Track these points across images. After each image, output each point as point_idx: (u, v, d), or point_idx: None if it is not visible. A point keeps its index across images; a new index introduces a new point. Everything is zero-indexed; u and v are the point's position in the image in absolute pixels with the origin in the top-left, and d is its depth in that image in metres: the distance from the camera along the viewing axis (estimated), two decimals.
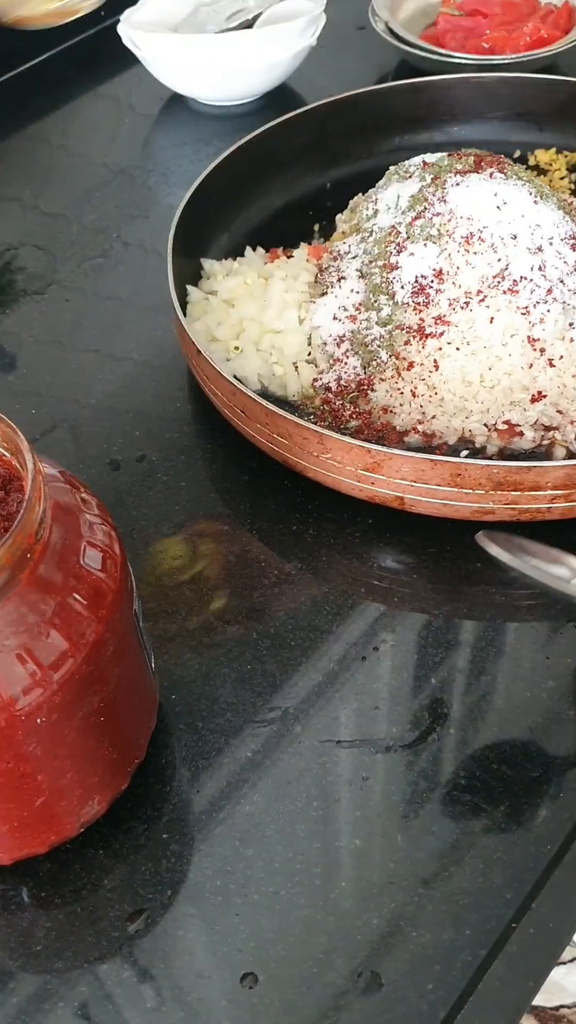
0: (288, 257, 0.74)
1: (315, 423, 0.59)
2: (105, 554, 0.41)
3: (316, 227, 0.79)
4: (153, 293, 0.77)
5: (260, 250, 0.76)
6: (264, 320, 0.68)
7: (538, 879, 0.46)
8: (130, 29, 0.89)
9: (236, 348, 0.67)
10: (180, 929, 0.45)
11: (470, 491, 0.55)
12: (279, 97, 0.95)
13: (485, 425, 0.61)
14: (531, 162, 0.83)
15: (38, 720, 0.38)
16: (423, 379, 0.62)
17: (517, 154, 0.83)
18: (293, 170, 0.81)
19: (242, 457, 0.64)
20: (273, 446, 0.60)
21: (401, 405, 0.62)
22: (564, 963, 1.29)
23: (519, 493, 0.55)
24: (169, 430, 0.67)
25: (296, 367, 0.66)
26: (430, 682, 0.53)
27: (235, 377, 0.65)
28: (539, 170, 0.82)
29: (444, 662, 0.54)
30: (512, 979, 0.43)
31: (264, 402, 0.57)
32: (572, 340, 0.62)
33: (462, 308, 0.61)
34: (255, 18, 0.90)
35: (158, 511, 0.62)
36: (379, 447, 0.55)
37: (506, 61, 0.89)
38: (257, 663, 0.54)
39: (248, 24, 0.90)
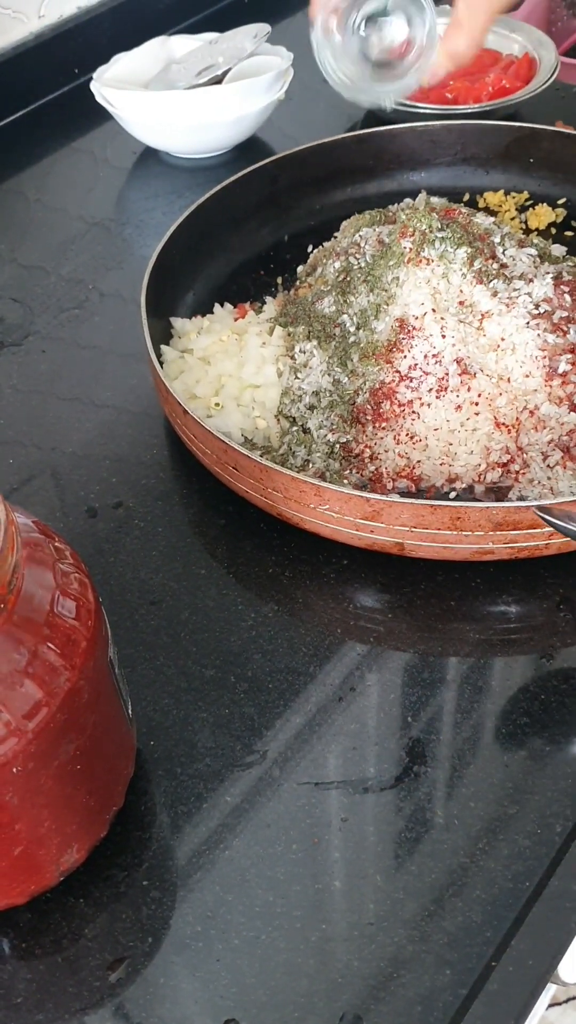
0: (257, 312, 0.76)
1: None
2: (79, 603, 0.42)
3: (279, 279, 0.81)
4: (129, 342, 0.78)
5: (228, 306, 0.77)
6: (243, 375, 0.69)
7: (517, 916, 0.46)
8: (102, 87, 0.92)
9: (217, 404, 0.68)
10: (162, 976, 0.45)
11: (469, 533, 0.56)
12: (250, 148, 0.97)
13: (472, 466, 0.62)
14: (480, 204, 0.86)
15: (14, 769, 0.38)
16: (405, 428, 0.63)
17: (466, 198, 0.86)
18: (249, 225, 0.83)
19: (218, 501, 0.65)
20: (267, 499, 0.61)
21: (387, 452, 0.64)
22: (559, 1004, 1.28)
23: (518, 532, 0.56)
24: (146, 476, 0.67)
25: (278, 419, 0.67)
26: (407, 721, 0.54)
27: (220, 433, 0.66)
28: (489, 211, 0.85)
29: (421, 700, 0.54)
30: (493, 1017, 0.43)
31: (258, 458, 0.58)
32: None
33: (436, 363, 0.63)
34: (224, 73, 0.92)
35: (135, 557, 0.62)
36: (378, 496, 0.56)
37: (469, 111, 0.92)
38: (235, 707, 0.54)
39: (217, 80, 0.92)
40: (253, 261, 0.83)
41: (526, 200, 0.85)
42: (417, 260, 0.66)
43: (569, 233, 0.83)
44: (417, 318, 0.65)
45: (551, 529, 0.54)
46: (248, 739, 0.53)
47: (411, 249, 0.67)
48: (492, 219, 0.72)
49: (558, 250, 0.77)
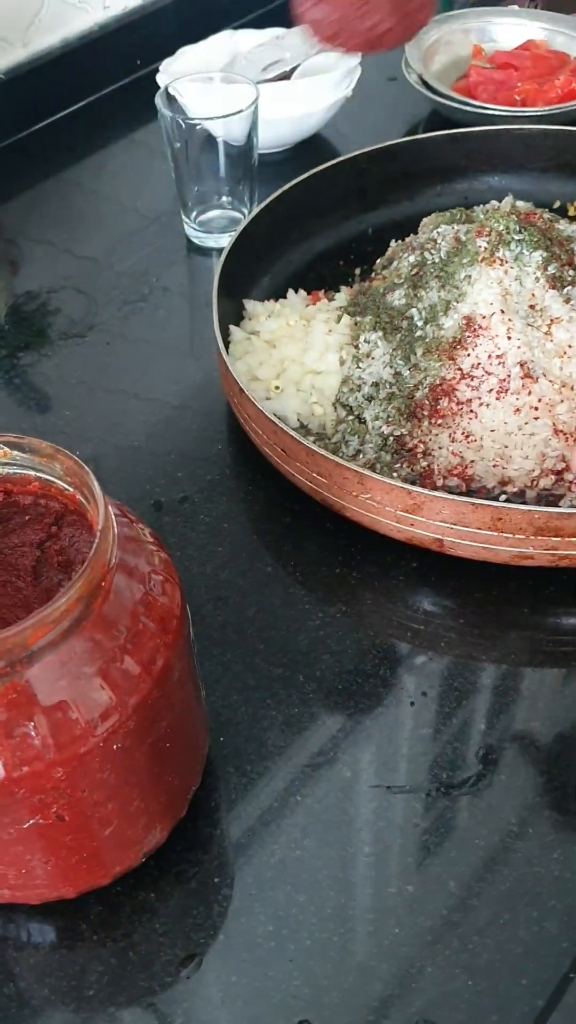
0: (330, 300, 0.76)
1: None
2: (166, 580, 0.42)
3: (357, 271, 0.81)
4: (194, 336, 0.78)
5: (302, 292, 0.77)
6: (305, 361, 0.69)
7: None
8: (169, 78, 0.91)
9: (276, 387, 0.68)
10: (233, 975, 0.45)
11: (510, 535, 0.55)
12: (311, 146, 0.97)
13: (525, 471, 0.62)
14: (571, 212, 0.84)
15: (115, 746, 0.38)
16: (461, 427, 0.63)
17: (557, 204, 0.84)
18: (334, 215, 0.83)
19: (283, 499, 0.64)
20: (313, 485, 0.61)
21: (440, 449, 0.63)
22: None
23: (559, 539, 0.55)
24: (210, 472, 0.67)
25: (335, 407, 0.67)
26: (479, 728, 0.53)
27: (276, 416, 0.66)
28: None
29: (494, 708, 0.54)
30: None
31: (305, 441, 0.58)
32: None
33: (499, 364, 0.63)
34: (292, 70, 0.92)
35: (201, 552, 0.62)
36: (419, 489, 0.55)
37: (539, 113, 0.91)
38: (304, 706, 0.54)
39: (285, 76, 0.92)
40: (334, 251, 0.82)
41: None
42: (491, 260, 0.66)
43: None
44: (484, 317, 0.64)
45: None
46: (318, 739, 0.53)
47: (486, 248, 0.66)
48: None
49: None
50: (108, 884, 0.46)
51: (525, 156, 0.85)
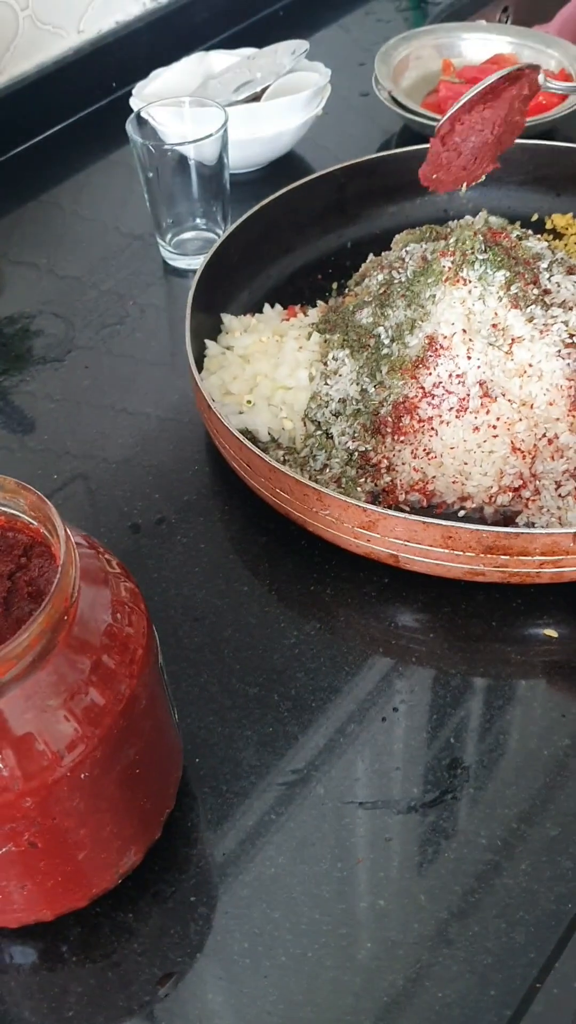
0: (305, 314, 0.77)
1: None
2: (132, 611, 0.43)
3: (334, 285, 0.82)
4: (172, 357, 0.79)
5: (278, 307, 0.79)
6: (277, 376, 0.71)
7: (561, 937, 0.46)
8: (142, 101, 0.93)
9: (249, 402, 0.69)
10: (209, 992, 0.46)
11: (460, 553, 0.57)
12: (286, 164, 0.98)
13: (484, 488, 0.63)
14: (548, 226, 0.85)
15: (82, 775, 0.39)
16: (423, 443, 0.64)
17: (534, 218, 0.86)
18: (314, 230, 0.85)
19: (259, 519, 0.65)
20: (277, 500, 0.62)
21: (403, 464, 0.65)
22: None
23: (508, 557, 0.57)
24: (187, 492, 0.68)
25: (304, 422, 0.68)
26: (449, 741, 0.54)
27: (246, 430, 0.68)
28: (556, 234, 0.85)
29: (462, 721, 0.55)
30: None
31: (266, 457, 0.60)
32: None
33: (459, 383, 0.64)
34: (263, 90, 0.93)
35: (178, 573, 0.63)
36: (373, 507, 0.57)
37: None
38: (279, 725, 0.55)
39: (256, 96, 0.93)
40: (313, 265, 0.84)
41: None
42: (455, 279, 0.67)
43: None
44: (446, 337, 0.66)
45: (542, 557, 0.55)
46: (292, 758, 0.54)
47: (450, 268, 0.67)
48: (546, 244, 0.72)
49: None
50: (86, 906, 0.47)
51: (503, 170, 0.86)
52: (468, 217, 0.82)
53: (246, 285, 0.81)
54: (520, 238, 0.73)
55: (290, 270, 0.84)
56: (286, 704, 0.56)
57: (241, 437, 0.61)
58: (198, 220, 0.87)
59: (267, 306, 0.79)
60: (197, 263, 0.86)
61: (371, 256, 0.82)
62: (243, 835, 0.51)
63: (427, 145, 0.85)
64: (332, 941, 0.47)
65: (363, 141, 1.00)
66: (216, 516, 0.67)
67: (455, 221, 0.83)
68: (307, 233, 0.85)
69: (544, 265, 0.70)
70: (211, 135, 0.79)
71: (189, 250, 0.87)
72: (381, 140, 1.01)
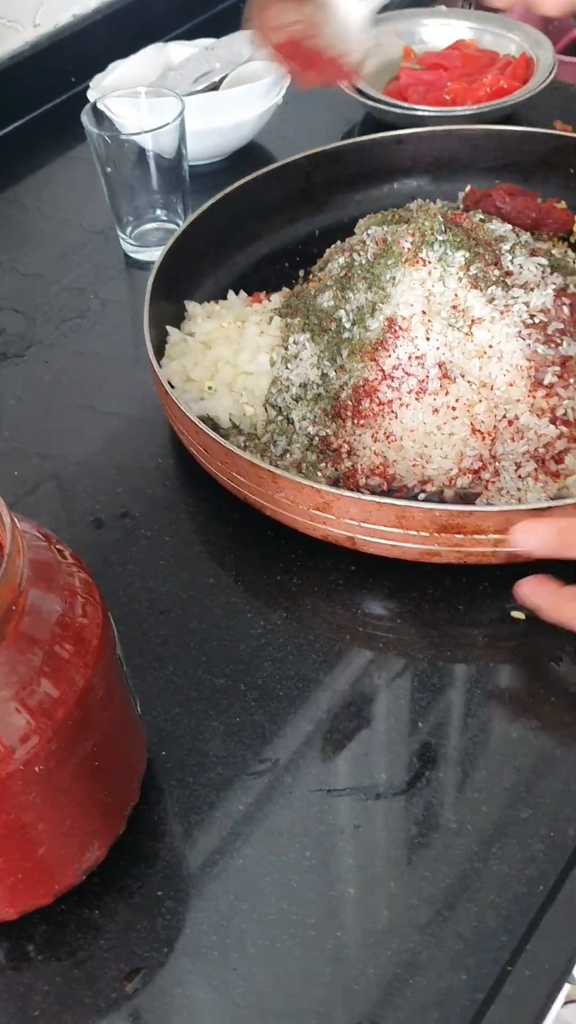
0: (269, 301, 0.76)
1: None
2: (85, 601, 0.42)
3: (301, 272, 0.81)
4: (135, 350, 0.78)
5: (243, 294, 0.78)
6: (238, 362, 0.70)
7: (532, 920, 0.46)
8: (100, 93, 0.92)
9: (210, 388, 0.69)
10: (178, 986, 0.45)
11: (415, 533, 0.56)
12: (248, 154, 0.97)
13: (444, 470, 0.63)
14: None
15: (36, 768, 0.39)
16: (383, 427, 0.64)
17: None
18: (280, 218, 0.84)
19: (224, 510, 0.65)
20: (234, 484, 0.62)
21: (364, 449, 0.64)
22: (574, 1001, 1.27)
23: (463, 536, 0.56)
24: (152, 485, 0.68)
25: (266, 408, 0.68)
26: (418, 727, 0.54)
27: (207, 416, 0.68)
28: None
29: (431, 705, 0.54)
30: (511, 1022, 0.43)
31: (221, 440, 0.59)
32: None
33: (418, 365, 0.64)
34: (222, 79, 0.93)
35: (143, 567, 0.62)
36: (328, 488, 0.56)
37: (466, 112, 0.91)
38: (246, 715, 0.55)
39: (215, 86, 0.92)
40: (280, 253, 0.83)
41: (565, 209, 0.83)
42: (414, 261, 0.66)
43: None
44: (405, 319, 0.65)
45: (496, 536, 0.55)
46: (259, 747, 0.53)
47: (409, 249, 0.67)
48: (510, 227, 0.72)
49: None
50: (51, 903, 0.46)
51: (471, 157, 0.86)
52: (429, 203, 0.82)
53: (212, 273, 0.81)
54: (483, 221, 0.72)
55: (256, 257, 0.83)
56: (253, 694, 0.55)
57: (197, 421, 0.61)
58: (158, 212, 0.86)
59: (231, 292, 0.78)
60: (157, 255, 0.86)
61: (338, 243, 0.81)
62: (211, 827, 0.50)
63: (396, 132, 0.84)
64: (301, 931, 0.46)
65: (325, 130, 1.00)
66: (181, 509, 0.66)
67: (416, 202, 0.83)
68: (274, 221, 0.84)
69: (506, 247, 0.69)
70: (168, 124, 0.78)
71: (150, 242, 0.86)
72: (344, 129, 1.00)
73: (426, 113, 0.92)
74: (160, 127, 0.78)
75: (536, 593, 0.52)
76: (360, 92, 0.95)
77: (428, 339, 0.64)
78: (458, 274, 0.65)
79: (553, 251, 0.73)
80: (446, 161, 0.86)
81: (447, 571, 0.60)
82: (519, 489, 0.61)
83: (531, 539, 0.51)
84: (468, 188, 0.82)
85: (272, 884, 0.48)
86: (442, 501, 0.63)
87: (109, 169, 0.81)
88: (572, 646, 0.56)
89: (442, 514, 0.55)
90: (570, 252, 0.78)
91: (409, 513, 0.55)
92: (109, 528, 0.65)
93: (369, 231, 0.73)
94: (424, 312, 0.64)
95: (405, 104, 0.93)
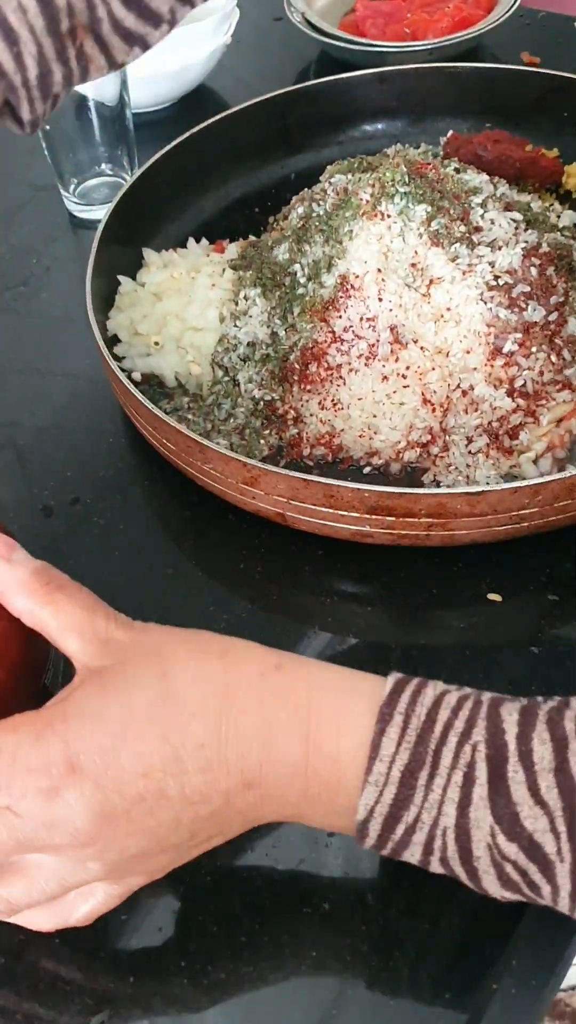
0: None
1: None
2: None
3: (271, 219, 0.77)
4: (86, 315, 0.73)
5: (204, 242, 0.74)
6: (186, 316, 0.66)
7: (518, 933, 0.44)
8: None
9: (156, 344, 0.65)
10: (146, 1017, 0.43)
11: (345, 513, 0.53)
12: (197, 98, 0.91)
13: (391, 443, 0.59)
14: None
15: None
16: (331, 393, 0.60)
17: None
18: (252, 161, 0.79)
19: (182, 492, 0.61)
20: (165, 451, 0.59)
21: (311, 416, 0.61)
22: None
23: (394, 518, 0.53)
24: (103, 468, 0.63)
25: (213, 367, 0.64)
26: None
27: (152, 374, 0.64)
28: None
29: None
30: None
31: (149, 404, 0.56)
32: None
33: (369, 328, 0.60)
34: None
35: (96, 559, 0.59)
36: (255, 462, 0.53)
37: (428, 46, 0.86)
38: None
39: None
40: (251, 198, 0.79)
41: (556, 157, 0.78)
42: (372, 214, 0.62)
43: None
44: (358, 277, 0.61)
45: (428, 519, 0.52)
46: None
47: (368, 201, 0.62)
48: (487, 178, 0.67)
49: (568, 218, 0.71)
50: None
51: (458, 98, 0.80)
52: (398, 146, 0.77)
53: (176, 217, 0.76)
54: (458, 170, 0.68)
55: (226, 202, 0.79)
56: None
57: (126, 381, 0.57)
58: (103, 166, 0.81)
59: (191, 240, 0.74)
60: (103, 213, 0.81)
61: (305, 191, 0.76)
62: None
63: (379, 68, 0.79)
64: (274, 952, 0.44)
65: (279, 69, 0.94)
66: (136, 492, 0.62)
67: (395, 147, 0.77)
68: (246, 164, 0.79)
69: (478, 200, 0.64)
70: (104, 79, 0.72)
71: (96, 199, 0.81)
72: (299, 67, 0.94)
73: (385, 49, 0.86)
74: (97, 82, 0.72)
75: None
76: (314, 28, 0.89)
77: (381, 300, 0.60)
78: (419, 230, 0.61)
79: (533, 204, 0.68)
80: (432, 101, 0.81)
81: (420, 551, 0.57)
82: (468, 466, 0.58)
83: None
84: (450, 133, 0.77)
85: (241, 904, 0.45)
86: (387, 475, 0.59)
87: (47, 125, 0.76)
88: (551, 627, 0.53)
89: (371, 495, 0.51)
90: (556, 205, 0.74)
91: (338, 492, 0.52)
92: (59, 516, 0.61)
93: (332, 179, 0.69)
94: (379, 270, 0.60)
95: (361, 40, 0.87)
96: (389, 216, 0.61)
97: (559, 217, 0.72)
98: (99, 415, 0.67)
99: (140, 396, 0.56)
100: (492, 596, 0.55)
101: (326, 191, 0.67)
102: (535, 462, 0.59)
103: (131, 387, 0.56)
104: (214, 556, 0.58)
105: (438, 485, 0.58)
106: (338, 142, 0.81)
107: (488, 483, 0.57)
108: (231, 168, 0.78)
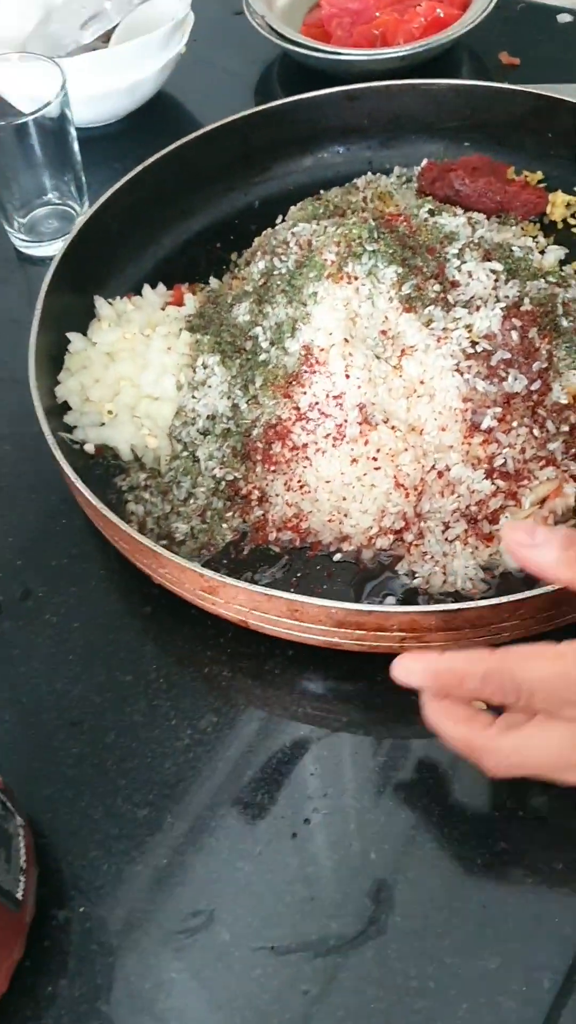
0: (195, 294, 0.67)
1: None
2: None
3: (234, 256, 0.71)
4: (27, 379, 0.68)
5: (161, 287, 0.68)
6: (141, 383, 0.61)
7: None
8: None
9: (110, 412, 0.61)
10: None
11: (312, 625, 0.50)
12: (151, 111, 0.84)
13: (363, 528, 0.55)
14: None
15: None
16: (296, 474, 0.56)
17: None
18: (215, 188, 0.74)
19: (139, 584, 0.56)
20: (114, 547, 0.56)
21: (276, 496, 0.57)
22: None
23: (364, 632, 0.49)
24: (56, 555, 0.59)
25: (171, 439, 0.60)
26: (370, 858, 0.47)
27: (107, 446, 0.60)
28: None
29: (384, 830, 0.48)
30: None
31: (96, 501, 0.52)
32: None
33: (336, 406, 0.55)
34: (116, 26, 0.79)
35: (49, 663, 0.54)
36: (211, 573, 0.49)
37: (400, 53, 0.79)
38: (175, 855, 0.48)
39: (107, 35, 0.79)
40: (213, 231, 0.73)
41: (539, 181, 0.73)
42: (338, 276, 0.57)
43: None
44: (323, 349, 0.56)
45: (402, 633, 0.48)
46: (192, 896, 0.47)
47: (333, 262, 0.57)
48: (464, 220, 0.62)
49: (553, 255, 0.66)
50: None
51: (436, 115, 0.74)
52: (367, 177, 0.71)
53: (132, 256, 0.71)
54: (433, 212, 0.62)
55: (186, 236, 0.73)
56: (181, 827, 0.49)
57: (70, 471, 0.53)
58: (50, 195, 0.75)
59: (146, 287, 0.68)
60: (54, 249, 0.75)
61: (281, 218, 0.70)
62: (140, 1003, 0.44)
63: (349, 86, 0.72)
64: None
65: (238, 77, 0.87)
66: (91, 584, 0.58)
67: (364, 177, 0.72)
68: (207, 191, 0.73)
69: (455, 249, 0.59)
70: (45, 106, 0.66)
71: (45, 234, 0.75)
72: (259, 73, 0.87)
73: (353, 57, 0.80)
74: (38, 111, 0.66)
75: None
76: (276, 33, 0.82)
77: (348, 376, 0.55)
78: (389, 292, 0.56)
79: (515, 243, 0.63)
80: (406, 121, 0.75)
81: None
82: (445, 555, 0.54)
83: (411, 680, 0.43)
84: (425, 163, 0.71)
85: None
86: (359, 562, 0.55)
87: None
88: None
89: (338, 611, 0.48)
90: (540, 239, 0.68)
91: (302, 608, 0.48)
92: (9, 614, 0.57)
93: (295, 229, 0.63)
94: (347, 340, 0.56)
95: (326, 47, 0.80)
96: (357, 279, 0.56)
97: (543, 253, 0.67)
98: (49, 490, 0.62)
99: (84, 488, 0.52)
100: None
101: (288, 243, 0.62)
102: None
103: (71, 473, 0.53)
104: (176, 659, 0.54)
105: (413, 576, 0.54)
106: (305, 166, 0.75)
107: (467, 573, 0.54)
108: (191, 198, 0.73)
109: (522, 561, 0.42)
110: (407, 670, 0.43)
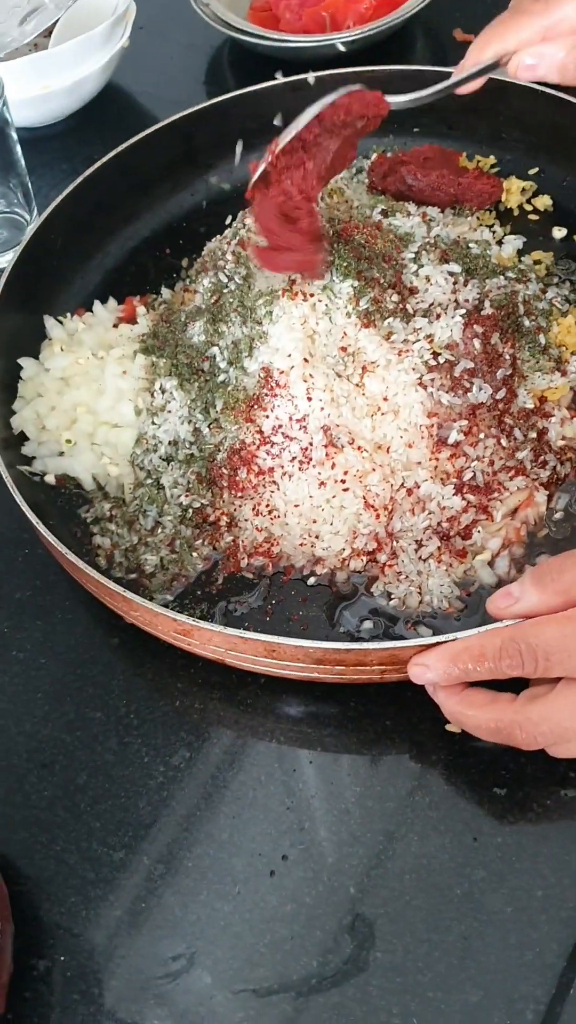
0: (147, 305, 0.65)
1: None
2: None
3: (184, 262, 0.69)
4: None
5: (112, 303, 0.67)
6: (98, 409, 0.60)
7: None
8: None
9: (68, 441, 0.59)
10: None
11: (290, 663, 0.49)
12: (97, 107, 0.82)
13: (335, 550, 0.54)
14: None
15: None
16: (264, 499, 0.55)
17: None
18: (159, 190, 0.72)
19: (107, 616, 0.55)
20: (84, 589, 0.55)
21: (245, 521, 0.56)
22: None
23: (344, 667, 0.49)
24: (18, 587, 0.58)
25: (133, 467, 0.59)
26: (348, 892, 0.47)
27: (67, 476, 0.59)
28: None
29: (362, 863, 0.47)
30: None
31: (60, 545, 0.51)
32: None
33: (300, 429, 0.54)
34: (56, 21, 0.76)
35: (17, 703, 0.54)
36: (185, 618, 0.48)
37: (350, 37, 0.77)
38: (153, 897, 0.47)
39: (48, 31, 0.76)
40: (161, 235, 0.71)
41: (492, 166, 0.71)
42: (293, 293, 0.55)
43: (534, 216, 0.69)
44: (283, 372, 0.55)
45: (382, 667, 0.48)
46: (172, 940, 0.46)
47: (288, 279, 0.56)
48: (419, 219, 0.60)
49: (511, 245, 0.65)
50: None
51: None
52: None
53: (79, 268, 0.69)
54: (386, 213, 0.61)
55: (132, 244, 0.71)
56: (158, 869, 0.48)
57: (31, 514, 0.52)
58: None
59: (97, 303, 0.66)
60: (6, 259, 0.73)
61: (231, 219, 0.68)
62: None
63: (293, 77, 0.70)
64: None
65: (186, 65, 0.84)
66: (56, 617, 0.57)
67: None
68: (151, 195, 0.72)
69: (411, 253, 0.58)
70: None
71: None
72: (206, 61, 0.85)
73: (302, 43, 0.77)
74: None
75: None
76: (222, 22, 0.79)
77: (310, 398, 0.54)
78: (346, 307, 0.55)
79: (472, 242, 0.61)
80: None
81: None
82: (419, 573, 0.53)
83: (429, 676, 0.46)
84: (375, 156, 0.69)
85: None
86: (334, 585, 0.54)
87: None
88: (516, 764, 0.49)
89: (315, 650, 0.47)
90: (498, 228, 0.67)
91: (279, 648, 0.47)
92: None
93: (241, 233, 0.61)
94: (306, 360, 0.54)
95: (273, 34, 0.78)
96: (312, 295, 0.54)
97: (500, 244, 0.66)
98: (10, 520, 0.60)
99: (47, 532, 0.50)
100: (450, 728, 0.50)
101: (235, 257, 0.60)
102: (491, 564, 0.54)
103: (32, 515, 0.51)
104: (147, 693, 0.54)
105: (389, 597, 0.54)
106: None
107: (443, 592, 0.53)
108: (137, 202, 0.71)
109: (517, 617, 0.45)
110: (423, 666, 0.45)
